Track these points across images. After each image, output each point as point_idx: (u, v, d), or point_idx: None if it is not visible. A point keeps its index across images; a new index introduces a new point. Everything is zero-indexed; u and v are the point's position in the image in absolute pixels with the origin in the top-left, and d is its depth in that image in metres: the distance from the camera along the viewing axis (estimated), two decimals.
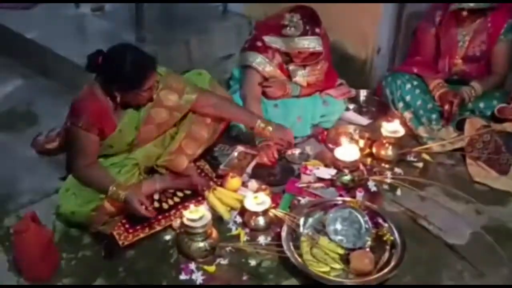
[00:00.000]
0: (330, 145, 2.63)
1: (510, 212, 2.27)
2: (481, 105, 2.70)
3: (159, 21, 3.46)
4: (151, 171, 2.35)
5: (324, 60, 2.72)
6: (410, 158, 2.61)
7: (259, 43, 2.64)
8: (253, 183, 2.36)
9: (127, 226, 2.16)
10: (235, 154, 2.57)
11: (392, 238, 2.01)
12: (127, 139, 2.12)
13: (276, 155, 2.46)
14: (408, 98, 2.77)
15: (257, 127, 2.36)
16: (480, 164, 2.47)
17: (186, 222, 1.96)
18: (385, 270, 1.88)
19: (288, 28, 2.52)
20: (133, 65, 1.95)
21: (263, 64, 2.64)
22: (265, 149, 2.46)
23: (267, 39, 2.61)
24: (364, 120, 2.93)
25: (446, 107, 2.64)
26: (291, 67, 2.70)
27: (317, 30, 2.51)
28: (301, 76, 2.71)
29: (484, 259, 2.00)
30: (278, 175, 2.47)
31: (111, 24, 3.41)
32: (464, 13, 2.59)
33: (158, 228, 2.16)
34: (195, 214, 1.96)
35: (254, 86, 2.65)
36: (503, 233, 2.14)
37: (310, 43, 2.52)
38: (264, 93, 2.69)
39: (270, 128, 2.35)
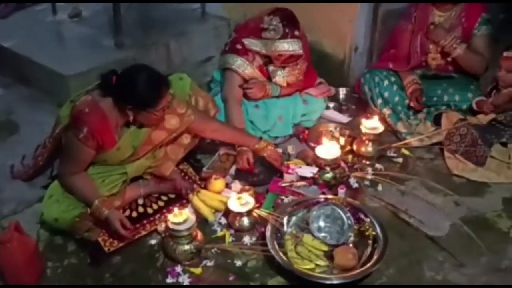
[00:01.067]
0: (312, 144, 2.66)
1: (488, 202, 2.34)
2: (457, 98, 2.75)
3: (137, 25, 3.45)
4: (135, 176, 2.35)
5: (304, 60, 2.75)
6: (390, 153, 2.66)
7: (239, 46, 2.66)
8: (237, 184, 2.38)
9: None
10: (218, 156, 2.59)
11: (374, 233, 2.05)
12: (123, 157, 2.11)
13: (251, 160, 2.47)
14: (386, 94, 2.82)
15: (258, 148, 2.44)
16: (458, 157, 2.53)
17: (170, 225, 1.97)
18: (368, 264, 1.92)
19: (267, 31, 2.54)
20: (148, 85, 1.94)
21: (243, 66, 2.66)
22: (241, 154, 2.48)
23: (246, 41, 2.63)
24: (344, 118, 2.97)
25: (412, 103, 2.73)
26: (271, 68, 2.72)
27: (296, 32, 2.54)
28: (281, 77, 2.74)
29: (463, 250, 2.06)
30: (261, 175, 2.49)
31: (89, 30, 3.39)
32: None
33: (143, 233, 2.17)
34: (179, 217, 1.98)
35: (234, 88, 2.67)
36: (481, 223, 2.21)
37: (290, 46, 2.54)
38: (245, 95, 2.71)
39: (270, 147, 2.46)
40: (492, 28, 2.76)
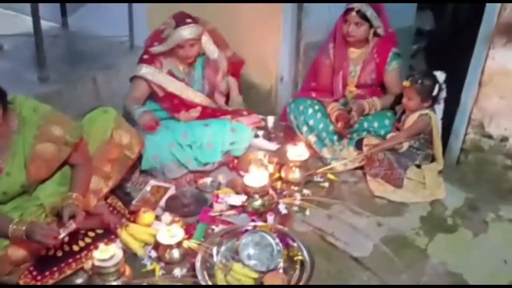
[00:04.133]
0: (242, 172, 2.72)
1: (406, 221, 2.47)
2: (375, 124, 2.94)
3: (63, 59, 3.40)
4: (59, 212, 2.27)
5: (221, 48, 2.94)
6: (317, 178, 2.76)
7: (145, 56, 2.81)
8: (167, 216, 2.37)
9: (34, 273, 2.07)
10: (148, 188, 2.58)
11: (301, 257, 2.11)
12: (18, 181, 2.03)
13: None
14: (311, 122, 2.95)
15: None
16: (378, 180, 2.68)
17: (96, 262, 1.92)
18: None
19: (164, 30, 2.71)
20: None
21: (150, 73, 2.77)
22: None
23: (152, 49, 2.78)
24: (273, 146, 3.05)
25: (339, 124, 2.85)
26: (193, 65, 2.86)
27: (188, 20, 2.70)
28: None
29: (385, 268, 2.16)
30: (191, 206, 2.50)
31: (11, 64, 3.30)
32: (351, 28, 2.81)
33: (68, 272, 2.10)
34: (106, 253, 1.93)
35: (138, 91, 2.81)
36: (401, 242, 2.33)
37: (186, 32, 2.67)
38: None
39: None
40: (401, 62, 2.98)
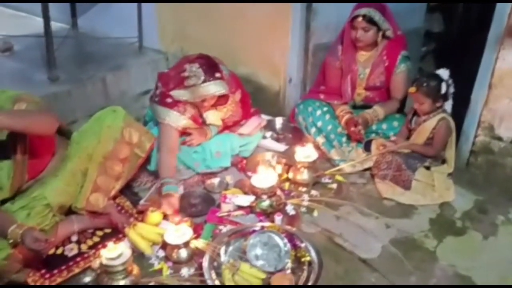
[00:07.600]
0: (250, 173, 2.72)
1: (415, 223, 2.46)
2: (384, 126, 2.93)
3: (73, 59, 3.43)
4: (68, 211, 2.29)
5: (232, 93, 2.78)
6: (325, 180, 2.75)
7: (169, 100, 2.65)
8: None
9: (43, 271, 2.08)
10: (156, 188, 2.58)
11: (309, 258, 2.10)
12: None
13: (177, 205, 2.41)
14: (319, 123, 2.94)
15: None
16: (387, 182, 2.66)
17: (104, 261, 1.93)
18: None
19: (189, 78, 2.57)
20: None
21: (176, 119, 2.64)
22: (165, 197, 2.41)
23: (174, 93, 2.64)
24: (281, 147, 3.06)
25: (352, 128, 2.82)
26: (205, 114, 2.76)
27: (217, 74, 2.58)
28: (214, 116, 2.78)
29: (394, 270, 2.15)
30: (199, 206, 2.51)
31: (22, 65, 3.33)
32: (359, 33, 2.79)
33: (76, 270, 2.11)
34: (114, 252, 1.94)
35: (169, 140, 2.64)
36: (410, 244, 2.32)
37: (214, 88, 2.58)
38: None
39: None
40: (410, 64, 2.95)
